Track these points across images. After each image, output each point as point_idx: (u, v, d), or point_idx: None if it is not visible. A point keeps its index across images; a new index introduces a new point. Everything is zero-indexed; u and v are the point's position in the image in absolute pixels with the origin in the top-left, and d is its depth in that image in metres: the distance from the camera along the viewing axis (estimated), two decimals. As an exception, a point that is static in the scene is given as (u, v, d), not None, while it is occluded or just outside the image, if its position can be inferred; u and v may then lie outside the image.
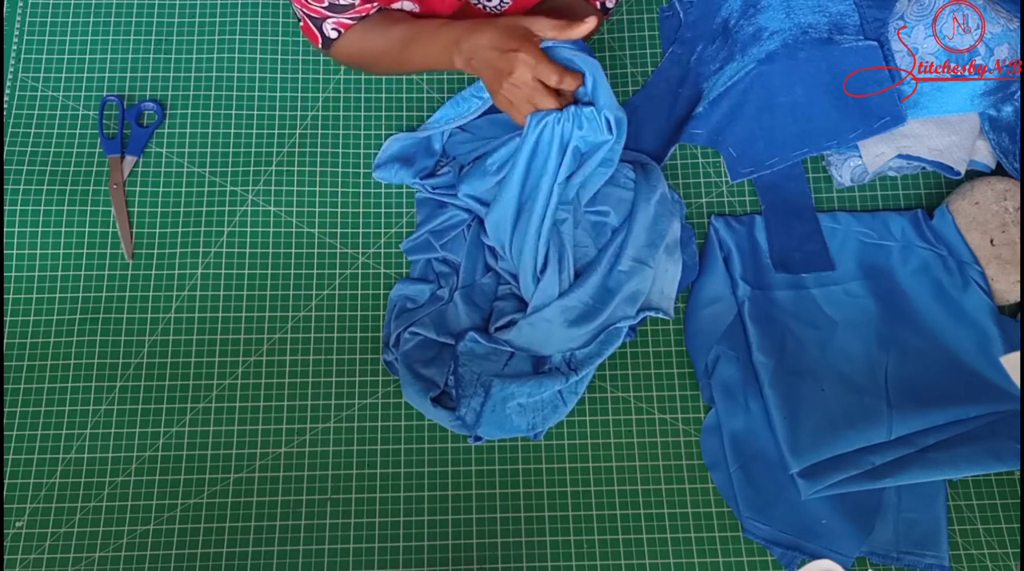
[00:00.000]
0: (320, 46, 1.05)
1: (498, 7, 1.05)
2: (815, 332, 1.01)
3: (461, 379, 0.98)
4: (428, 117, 1.09)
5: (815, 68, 1.02)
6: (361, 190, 1.08)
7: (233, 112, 1.10)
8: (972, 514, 0.97)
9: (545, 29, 0.91)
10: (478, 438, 0.97)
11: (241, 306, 1.03)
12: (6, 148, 1.07)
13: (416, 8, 1.02)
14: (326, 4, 0.99)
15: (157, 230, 1.05)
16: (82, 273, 1.03)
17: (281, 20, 1.14)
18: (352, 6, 0.99)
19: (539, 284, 0.98)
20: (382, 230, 1.07)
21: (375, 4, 1.00)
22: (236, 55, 1.13)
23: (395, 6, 1.01)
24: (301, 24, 1.04)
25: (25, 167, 1.07)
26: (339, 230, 1.06)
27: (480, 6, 1.06)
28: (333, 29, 1.02)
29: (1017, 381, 0.97)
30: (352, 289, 1.04)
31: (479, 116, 1.05)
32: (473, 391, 0.97)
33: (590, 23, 0.90)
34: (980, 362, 0.99)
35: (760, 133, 1.06)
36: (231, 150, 1.09)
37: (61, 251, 1.04)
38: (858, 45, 1.02)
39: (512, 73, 0.90)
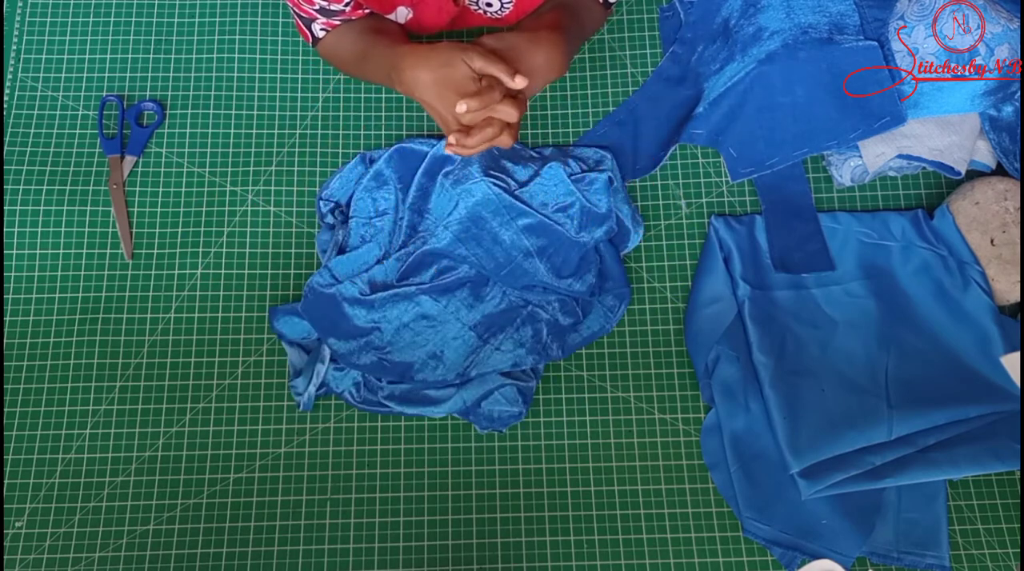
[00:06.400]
0: (312, 44, 1.05)
1: (498, 12, 1.05)
2: (815, 332, 1.01)
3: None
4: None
5: (815, 68, 1.02)
6: (361, 190, 1.08)
7: (233, 112, 1.10)
8: (972, 514, 0.96)
9: (476, 59, 0.90)
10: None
11: (241, 306, 1.03)
12: (6, 148, 1.07)
13: (411, 14, 1.02)
14: (317, 7, 0.99)
15: (157, 230, 1.05)
16: (82, 273, 1.03)
17: (281, 20, 1.14)
18: (342, 12, 0.99)
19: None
20: (382, 230, 1.06)
21: (367, 10, 1.00)
22: (236, 55, 1.12)
23: (390, 15, 1.01)
24: (295, 21, 1.04)
25: (25, 167, 1.06)
26: (339, 230, 1.06)
27: (480, 12, 1.05)
28: (321, 29, 1.02)
29: (1017, 381, 0.97)
30: (352, 289, 1.04)
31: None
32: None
33: (519, 82, 0.90)
34: (980, 362, 0.99)
35: (760, 133, 1.05)
36: (231, 150, 1.09)
37: (61, 251, 1.04)
38: (858, 45, 1.02)
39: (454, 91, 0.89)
